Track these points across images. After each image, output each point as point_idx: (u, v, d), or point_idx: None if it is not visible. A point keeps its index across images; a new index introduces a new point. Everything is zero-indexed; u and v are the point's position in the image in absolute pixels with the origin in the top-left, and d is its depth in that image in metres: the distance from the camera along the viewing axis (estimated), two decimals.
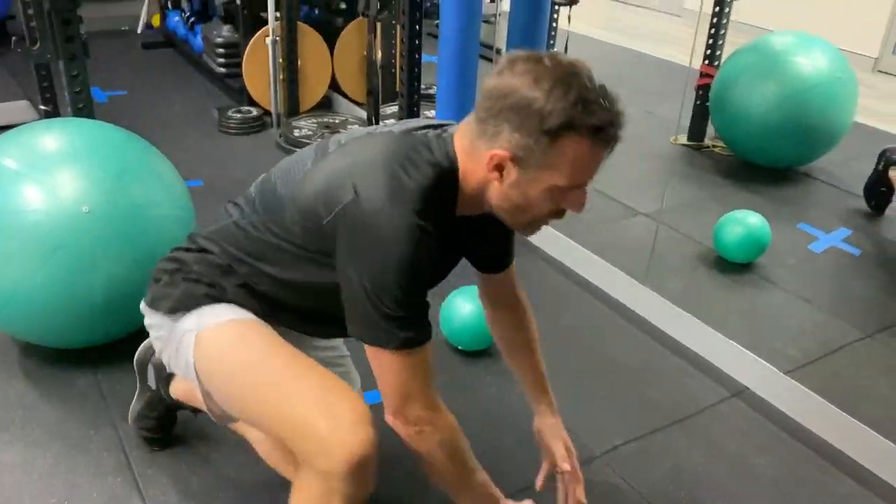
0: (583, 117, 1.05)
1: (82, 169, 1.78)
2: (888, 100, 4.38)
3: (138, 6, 4.88)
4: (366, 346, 1.15)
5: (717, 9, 3.36)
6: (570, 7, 3.28)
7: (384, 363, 1.14)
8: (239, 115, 3.54)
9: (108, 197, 1.77)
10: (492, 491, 1.29)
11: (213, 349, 1.25)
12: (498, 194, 1.15)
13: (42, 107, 3.01)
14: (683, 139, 3.62)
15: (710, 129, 3.54)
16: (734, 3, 3.35)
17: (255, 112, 3.59)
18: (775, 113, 3.08)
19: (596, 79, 1.08)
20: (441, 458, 1.21)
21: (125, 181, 1.83)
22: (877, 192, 2.96)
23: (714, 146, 3.54)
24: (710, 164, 3.45)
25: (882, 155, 2.95)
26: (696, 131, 3.58)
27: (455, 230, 1.23)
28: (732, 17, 3.38)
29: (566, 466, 1.45)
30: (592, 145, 1.08)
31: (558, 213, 1.17)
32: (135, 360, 1.67)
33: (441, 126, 1.24)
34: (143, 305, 1.35)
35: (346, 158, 1.17)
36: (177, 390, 1.60)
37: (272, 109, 3.59)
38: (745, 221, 2.55)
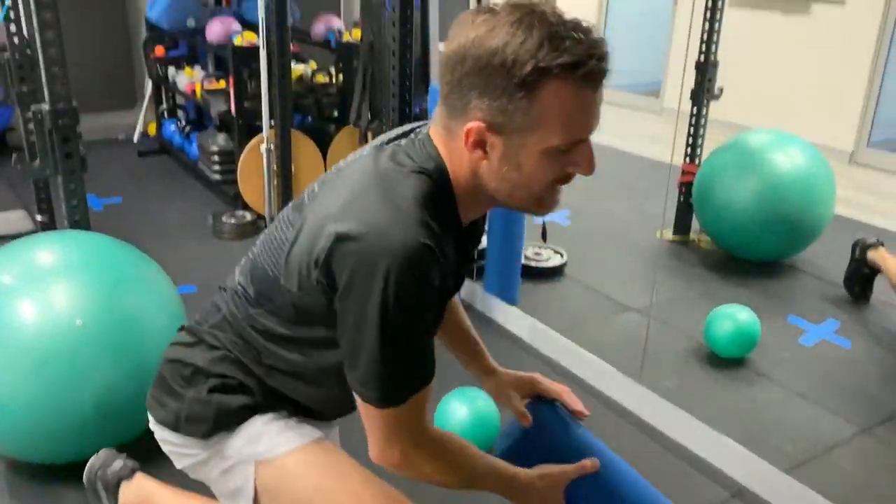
0: (554, 56, 0.90)
1: (77, 282, 1.81)
2: (865, 191, 4.50)
3: (134, 115, 5.03)
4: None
5: (695, 109, 3.50)
6: None
7: (370, 414, 1.04)
8: (233, 221, 3.60)
9: (101, 309, 1.79)
10: (508, 475, 1.16)
11: (289, 484, 1.16)
12: (490, 176, 1.00)
13: (39, 217, 3.07)
14: (669, 234, 3.69)
15: (696, 224, 3.61)
16: (711, 103, 3.49)
17: (249, 217, 3.65)
18: (757, 208, 3.15)
19: (564, 12, 0.94)
20: (437, 478, 1.11)
21: (119, 293, 1.85)
22: (859, 278, 3.01)
23: (700, 240, 3.60)
24: (696, 259, 3.50)
25: (855, 246, 3.02)
26: (682, 226, 3.66)
27: (462, 241, 1.09)
28: (711, 116, 3.52)
29: (542, 388, 1.35)
30: (576, 87, 0.93)
31: (565, 179, 1.02)
32: (84, 479, 1.61)
33: (413, 129, 1.10)
34: (159, 426, 1.22)
35: (322, 206, 1.04)
36: None
37: (266, 214, 3.65)
38: (735, 317, 2.57)
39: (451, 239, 1.03)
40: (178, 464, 1.27)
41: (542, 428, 1.30)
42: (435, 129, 1.04)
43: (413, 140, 1.06)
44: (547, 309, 2.92)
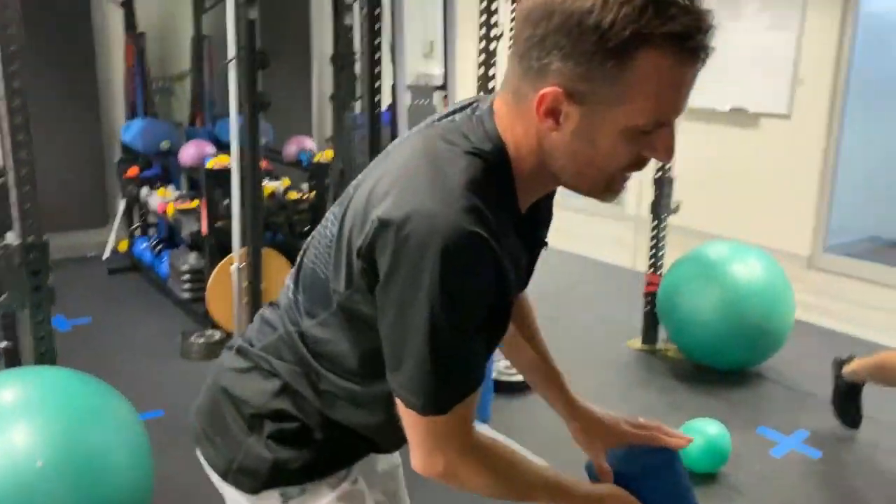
0: (658, 24, 0.80)
1: (38, 422, 1.79)
2: (824, 295, 4.61)
3: (106, 233, 5.06)
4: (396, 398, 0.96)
5: (655, 222, 3.62)
6: None
7: (413, 421, 0.96)
8: (202, 340, 3.58)
9: (62, 449, 1.77)
10: (565, 489, 1.08)
11: None
12: (559, 151, 0.90)
13: (3, 343, 3.02)
14: (638, 343, 3.73)
15: (663, 333, 3.67)
16: (670, 216, 3.62)
17: (218, 336, 3.63)
18: (720, 318, 3.22)
19: None
20: (486, 490, 1.03)
21: (81, 431, 1.83)
22: (842, 395, 2.89)
23: (667, 350, 3.65)
24: (665, 368, 3.53)
25: (833, 364, 2.94)
26: (649, 336, 3.71)
27: (524, 228, 1.00)
28: (673, 223, 3.64)
29: (634, 438, 1.19)
30: (677, 61, 0.83)
31: (639, 164, 0.91)
32: None
33: (471, 104, 1.00)
34: (209, 467, 1.13)
35: (366, 192, 0.94)
36: None
37: (235, 332, 3.64)
38: (704, 431, 2.58)
39: (509, 227, 0.95)
40: (217, 485, 1.16)
41: (628, 484, 1.16)
42: (502, 95, 0.95)
43: (470, 116, 0.96)
44: (521, 426, 2.91)
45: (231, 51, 3.37)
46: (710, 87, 5.26)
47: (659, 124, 0.88)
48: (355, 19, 3.45)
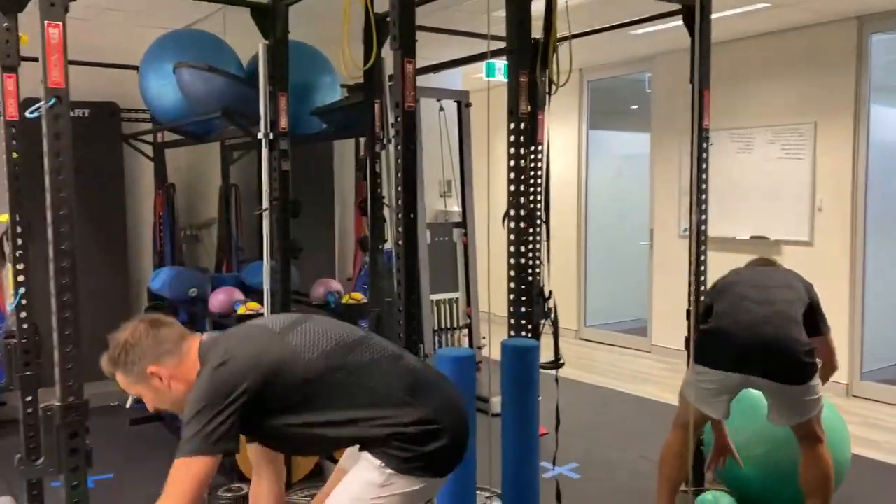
0: None
1: None
2: (870, 427, 4.46)
3: None
4: None
5: (686, 350, 3.53)
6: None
7: None
8: (229, 495, 3.43)
9: None
10: None
11: None
12: None
13: None
14: (683, 484, 3.55)
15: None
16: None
17: (245, 489, 3.48)
18: (769, 455, 3.09)
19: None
20: None
21: None
22: None
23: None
24: None
25: None
26: (697, 475, 3.54)
27: None
28: None
29: None
30: None
31: None
32: None
33: None
34: None
35: None
36: None
37: None
38: None
39: None
40: None
41: None
42: None
43: None
44: None
45: (265, 200, 3.45)
46: (728, 216, 5.36)
47: None
48: (383, 166, 3.57)
